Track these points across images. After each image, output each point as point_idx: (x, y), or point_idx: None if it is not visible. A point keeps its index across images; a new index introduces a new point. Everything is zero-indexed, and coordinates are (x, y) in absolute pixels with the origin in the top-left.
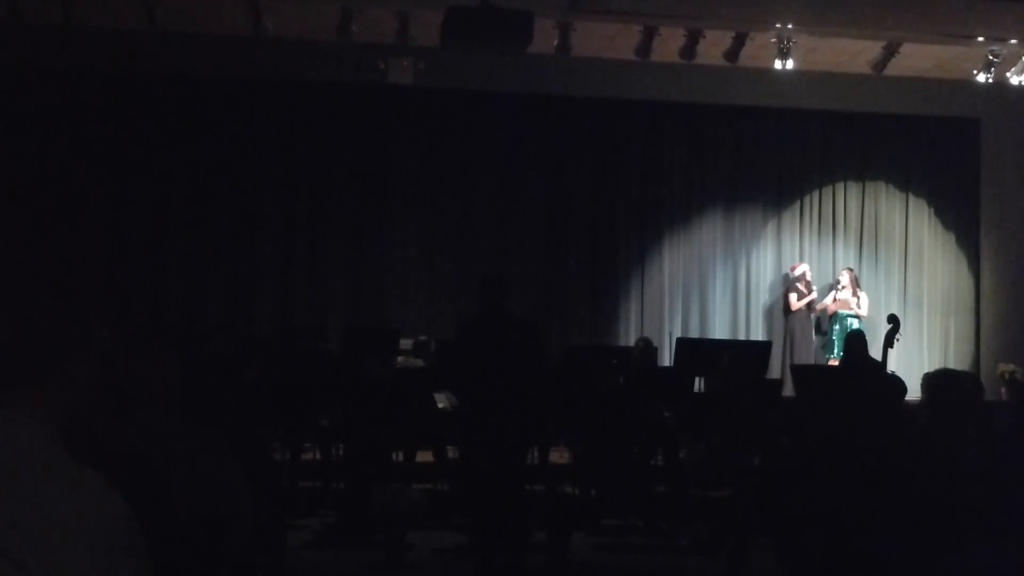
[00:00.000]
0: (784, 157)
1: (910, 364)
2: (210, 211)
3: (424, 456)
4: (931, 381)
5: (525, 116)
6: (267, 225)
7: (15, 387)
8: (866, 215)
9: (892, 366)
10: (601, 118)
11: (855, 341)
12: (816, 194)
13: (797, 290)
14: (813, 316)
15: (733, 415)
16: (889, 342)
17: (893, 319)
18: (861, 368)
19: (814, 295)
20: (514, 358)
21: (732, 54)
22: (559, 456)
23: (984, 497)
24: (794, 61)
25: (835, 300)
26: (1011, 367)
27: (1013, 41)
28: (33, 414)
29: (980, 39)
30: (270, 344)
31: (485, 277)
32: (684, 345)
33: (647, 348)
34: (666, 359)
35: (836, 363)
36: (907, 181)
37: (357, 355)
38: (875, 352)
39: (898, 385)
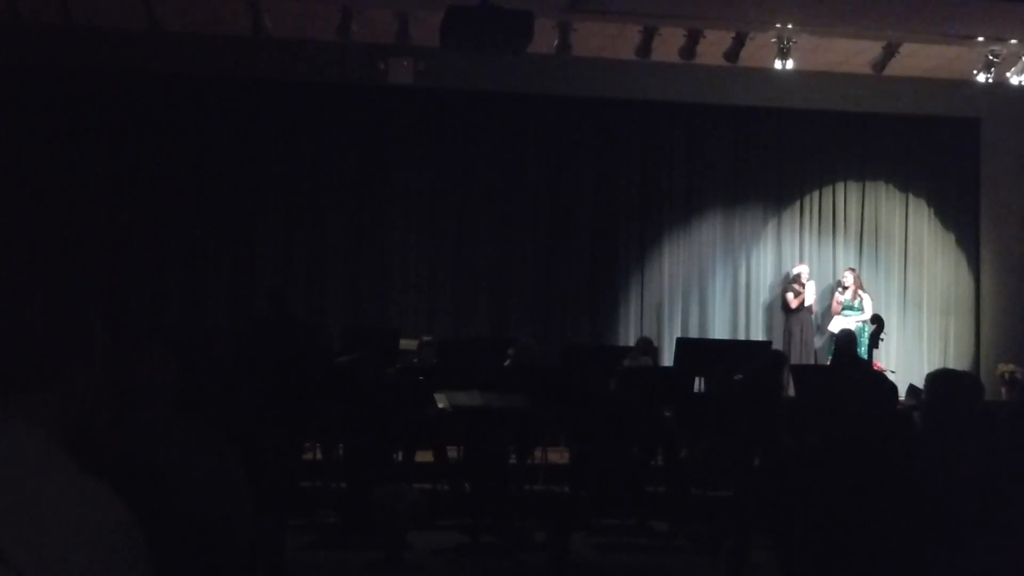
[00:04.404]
0: (784, 157)
1: (910, 364)
2: (210, 211)
3: (424, 456)
4: (931, 381)
5: (525, 116)
6: (267, 225)
7: (16, 390)
8: (866, 215)
9: (892, 366)
10: (601, 118)
11: (846, 341)
12: (816, 194)
13: (793, 290)
14: (814, 316)
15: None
16: (874, 342)
17: (877, 319)
18: (850, 367)
19: (805, 293)
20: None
21: (732, 54)
22: (559, 456)
23: (984, 497)
24: (794, 61)
25: (838, 301)
26: (1011, 367)
27: (1013, 41)
28: (34, 418)
29: (980, 39)
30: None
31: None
32: (684, 345)
33: (648, 348)
34: (666, 359)
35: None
36: (907, 181)
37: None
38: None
39: (892, 386)
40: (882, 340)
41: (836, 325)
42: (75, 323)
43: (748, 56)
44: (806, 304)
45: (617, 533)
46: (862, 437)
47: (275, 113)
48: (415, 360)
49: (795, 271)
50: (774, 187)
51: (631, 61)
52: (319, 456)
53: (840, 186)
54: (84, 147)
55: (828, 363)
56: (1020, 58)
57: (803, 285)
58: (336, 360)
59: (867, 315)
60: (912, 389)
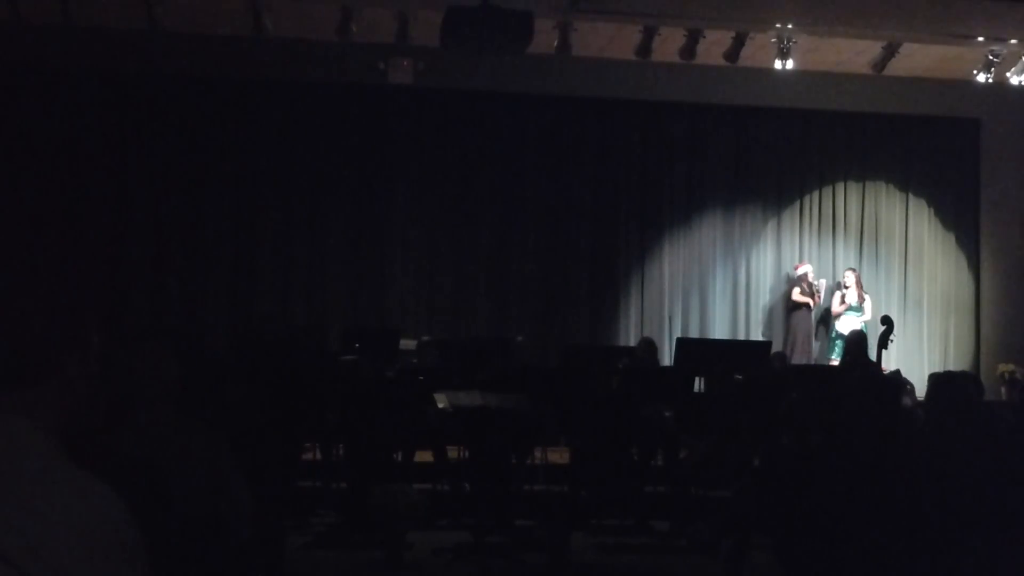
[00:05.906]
0: (784, 157)
1: (910, 364)
2: (210, 211)
3: (424, 456)
4: (932, 381)
5: (525, 116)
6: (267, 225)
7: (14, 389)
8: (866, 215)
9: (892, 366)
10: (601, 118)
11: (856, 342)
12: (816, 194)
13: (801, 287)
14: (814, 316)
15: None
16: (883, 343)
17: (887, 320)
18: (858, 368)
19: (818, 298)
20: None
21: (732, 54)
22: (559, 456)
23: (984, 497)
24: (794, 61)
25: (842, 302)
26: (1011, 367)
27: (1013, 41)
28: (32, 416)
29: (980, 39)
30: (270, 342)
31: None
32: (684, 345)
33: (650, 348)
34: (666, 359)
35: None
36: (907, 181)
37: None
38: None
39: (897, 384)
40: (891, 342)
41: (839, 326)
42: (69, 320)
43: (748, 56)
44: (822, 303)
45: (617, 533)
46: (862, 437)
47: (275, 113)
48: (415, 360)
49: (799, 271)
50: (774, 187)
51: (631, 61)
52: (319, 456)
53: (840, 186)
54: (84, 147)
55: (831, 363)
56: (1020, 58)
57: (811, 285)
58: (336, 360)
59: (868, 316)
60: None
